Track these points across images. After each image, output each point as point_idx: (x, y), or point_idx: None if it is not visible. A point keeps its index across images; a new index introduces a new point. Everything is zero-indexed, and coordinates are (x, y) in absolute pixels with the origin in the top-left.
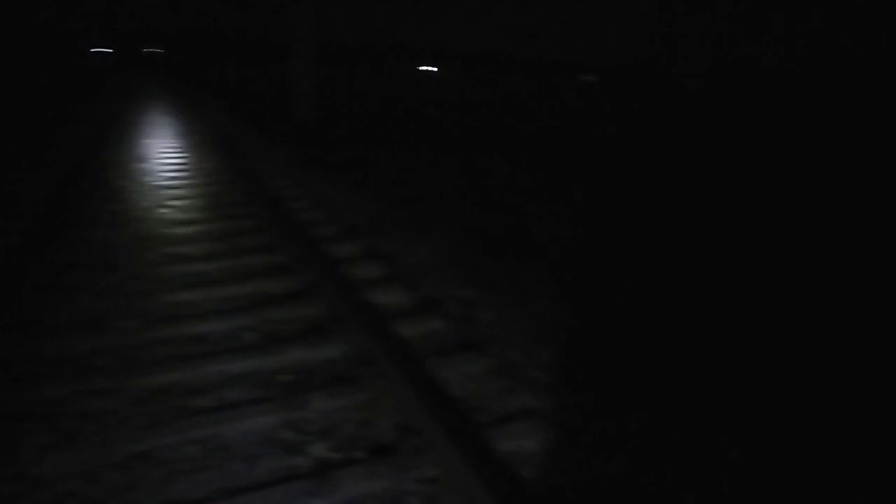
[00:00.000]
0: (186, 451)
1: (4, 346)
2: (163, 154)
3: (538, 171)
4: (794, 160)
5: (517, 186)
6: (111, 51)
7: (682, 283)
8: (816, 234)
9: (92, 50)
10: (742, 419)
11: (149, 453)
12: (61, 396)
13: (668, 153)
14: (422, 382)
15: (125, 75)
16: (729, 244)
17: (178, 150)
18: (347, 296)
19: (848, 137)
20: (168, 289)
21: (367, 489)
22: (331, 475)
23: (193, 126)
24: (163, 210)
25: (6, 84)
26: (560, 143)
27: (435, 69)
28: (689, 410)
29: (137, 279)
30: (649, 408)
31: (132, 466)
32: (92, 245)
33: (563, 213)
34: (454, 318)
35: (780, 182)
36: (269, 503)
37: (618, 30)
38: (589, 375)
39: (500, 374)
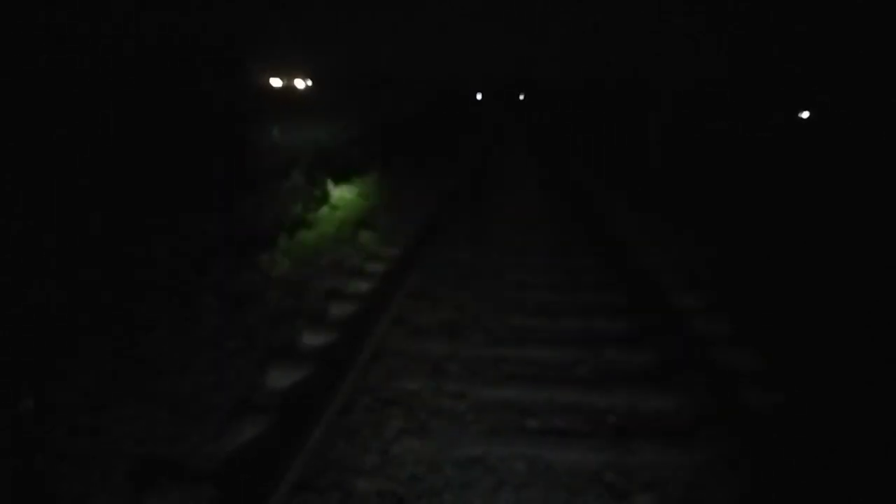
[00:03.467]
0: (516, 465)
1: (377, 343)
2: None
3: None
4: None
5: None
6: (482, 97)
7: None
8: None
9: (478, 97)
10: None
11: (483, 459)
12: (419, 391)
13: None
14: None
15: (496, 114)
16: None
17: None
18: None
19: None
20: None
21: None
22: None
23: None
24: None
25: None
26: None
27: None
28: None
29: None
30: None
31: (468, 467)
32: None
33: None
34: None
35: None
36: None
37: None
38: None
39: None
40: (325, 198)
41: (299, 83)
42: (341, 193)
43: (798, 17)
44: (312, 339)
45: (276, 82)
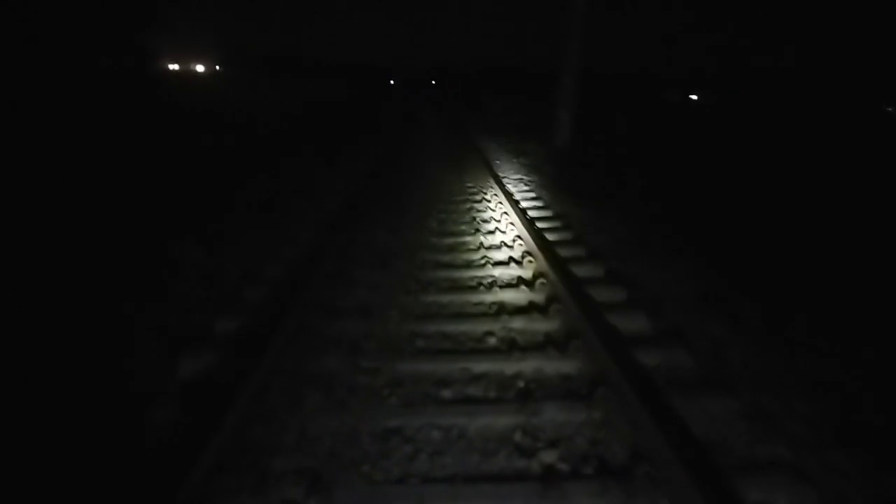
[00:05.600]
0: (431, 434)
1: (294, 324)
2: (436, 162)
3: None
4: None
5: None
6: (395, 81)
7: None
8: None
9: (391, 80)
10: None
11: (400, 430)
12: (336, 369)
13: None
14: None
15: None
16: None
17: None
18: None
19: None
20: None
21: None
22: (558, 484)
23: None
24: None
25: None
26: None
27: (695, 97)
28: None
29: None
30: None
31: (386, 438)
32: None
33: None
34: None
35: None
36: (500, 497)
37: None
38: None
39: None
40: None
41: (199, 67)
42: None
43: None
44: None
45: (173, 66)
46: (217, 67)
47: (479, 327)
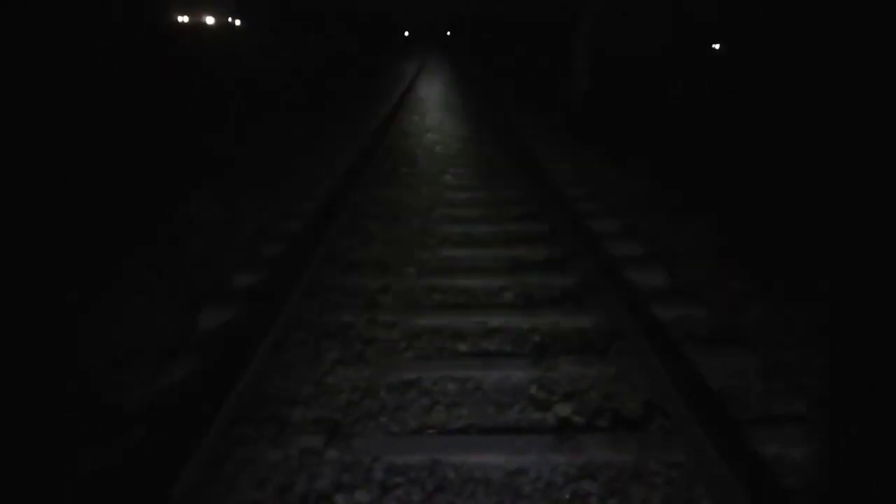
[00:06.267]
0: (447, 386)
1: (312, 278)
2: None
3: None
4: None
5: None
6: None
7: None
8: None
9: (405, 34)
10: None
11: (417, 382)
12: (353, 322)
13: None
14: None
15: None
16: None
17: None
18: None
19: None
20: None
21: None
22: (573, 437)
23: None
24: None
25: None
26: None
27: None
28: None
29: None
30: None
31: (403, 391)
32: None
33: None
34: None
35: None
36: (515, 449)
37: None
38: None
39: None
40: None
41: (209, 19)
42: None
43: None
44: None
45: (182, 18)
46: (230, 20)
47: None
